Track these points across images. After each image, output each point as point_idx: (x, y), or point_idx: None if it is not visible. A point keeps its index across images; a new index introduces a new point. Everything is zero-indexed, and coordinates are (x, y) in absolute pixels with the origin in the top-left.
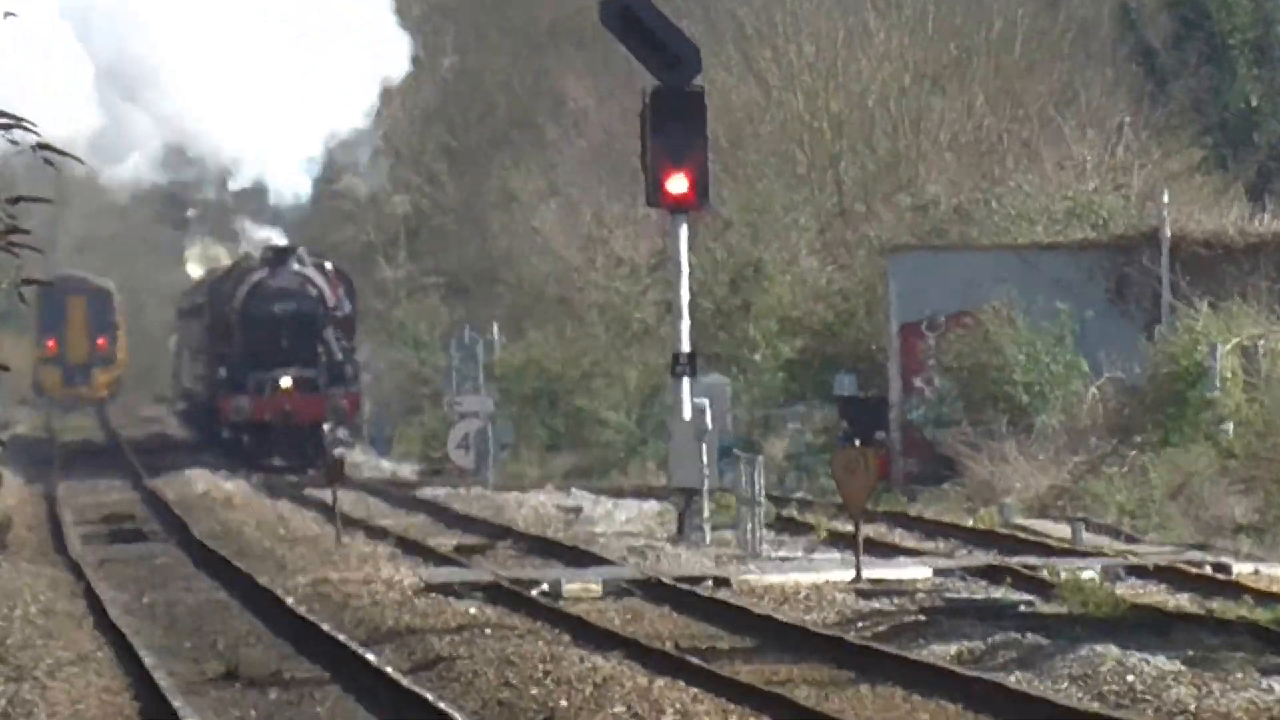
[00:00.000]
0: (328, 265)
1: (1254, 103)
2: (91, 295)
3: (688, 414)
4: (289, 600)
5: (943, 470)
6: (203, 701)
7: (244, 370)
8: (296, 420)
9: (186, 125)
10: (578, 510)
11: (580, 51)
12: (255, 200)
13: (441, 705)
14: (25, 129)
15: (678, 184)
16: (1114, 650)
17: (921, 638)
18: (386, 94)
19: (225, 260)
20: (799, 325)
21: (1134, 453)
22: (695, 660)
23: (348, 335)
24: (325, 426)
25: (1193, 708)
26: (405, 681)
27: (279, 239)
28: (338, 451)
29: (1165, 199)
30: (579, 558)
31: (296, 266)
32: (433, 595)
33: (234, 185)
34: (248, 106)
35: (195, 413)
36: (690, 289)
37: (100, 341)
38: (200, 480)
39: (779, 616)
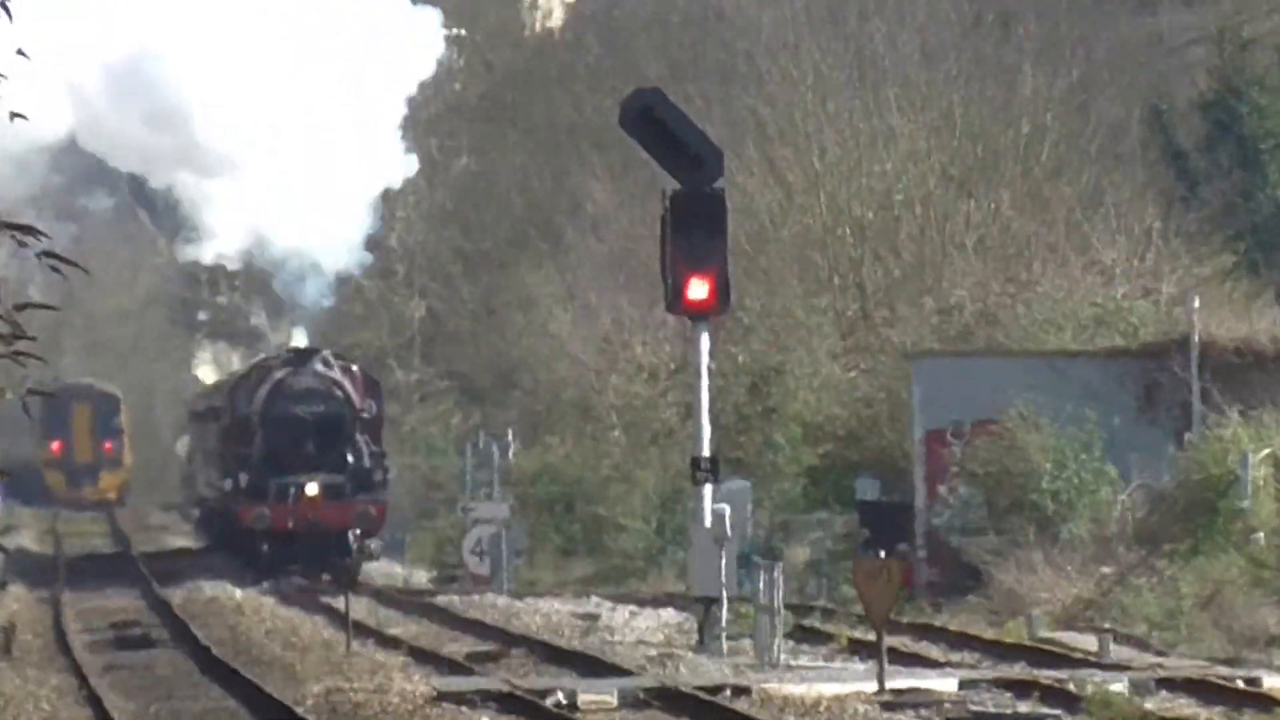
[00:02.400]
0: (354, 368)
1: None
2: (97, 400)
3: (708, 520)
4: (299, 710)
5: (967, 579)
6: None
7: (265, 475)
8: (322, 529)
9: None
10: (595, 618)
11: (599, 153)
12: (272, 302)
13: None
14: (36, 236)
15: (698, 289)
16: None
17: None
18: (392, 197)
19: (237, 365)
20: (821, 431)
21: (1163, 563)
22: None
23: (375, 440)
24: (351, 535)
25: None
26: None
27: (301, 340)
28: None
29: (1195, 305)
30: (595, 667)
31: (320, 367)
32: (445, 704)
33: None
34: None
35: (210, 520)
36: (710, 393)
37: (106, 446)
38: (209, 585)
39: None
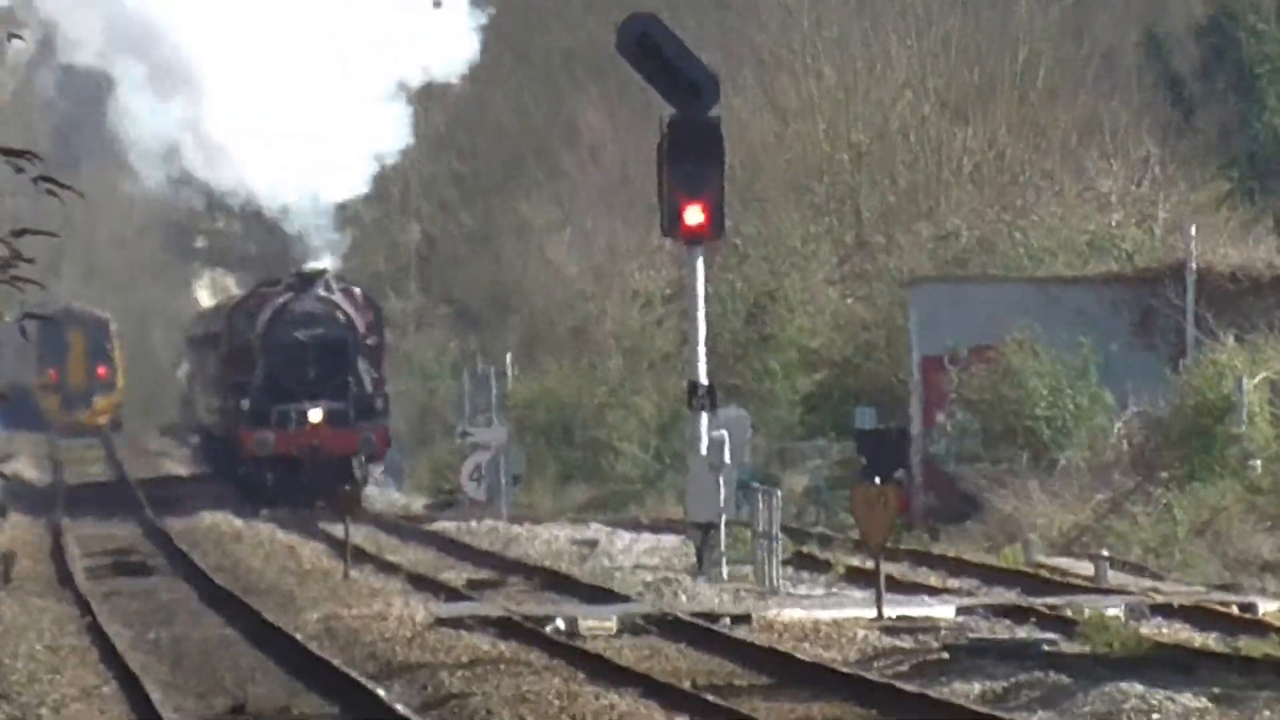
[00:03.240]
0: (356, 291)
1: None
2: (91, 326)
3: (706, 447)
4: (298, 636)
5: (964, 506)
6: None
7: (267, 401)
8: (325, 455)
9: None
10: (593, 544)
11: (596, 80)
12: (270, 229)
13: None
14: (30, 160)
15: (694, 215)
16: (1138, 689)
17: (944, 676)
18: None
19: (235, 290)
20: (818, 358)
21: (1159, 489)
22: (713, 698)
23: (377, 365)
24: (355, 463)
25: None
26: (416, 718)
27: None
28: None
29: (1192, 232)
30: (594, 593)
31: (323, 291)
32: (444, 631)
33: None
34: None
35: (210, 446)
36: (707, 320)
37: (100, 370)
38: (207, 512)
39: (798, 654)
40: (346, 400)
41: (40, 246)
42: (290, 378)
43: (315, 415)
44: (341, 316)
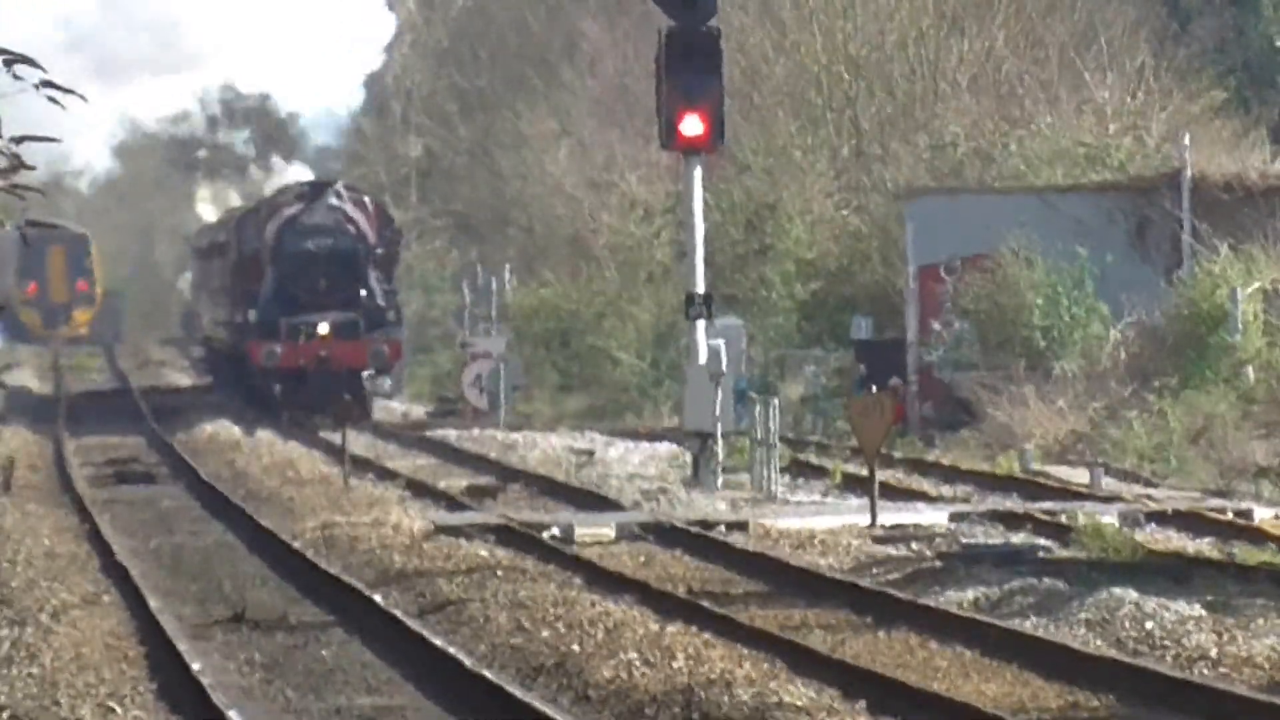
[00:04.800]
0: (367, 200)
1: (1278, 44)
2: (70, 242)
3: (703, 356)
4: (296, 544)
5: (960, 415)
6: (208, 645)
7: (276, 313)
8: (334, 367)
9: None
10: (590, 453)
11: None
12: (273, 138)
13: (451, 649)
14: (31, 65)
15: (692, 126)
16: (1133, 595)
17: (938, 583)
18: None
19: (236, 202)
20: (815, 268)
21: (1154, 397)
22: (708, 605)
23: (388, 276)
24: (365, 375)
25: (1213, 653)
26: (413, 624)
27: (308, 175)
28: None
29: (1187, 142)
30: (591, 501)
31: (334, 201)
32: (442, 538)
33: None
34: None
35: (215, 358)
36: (705, 231)
37: (80, 284)
38: (209, 422)
39: (793, 561)
40: (357, 311)
41: (40, 157)
42: (300, 289)
43: (324, 327)
44: (352, 227)
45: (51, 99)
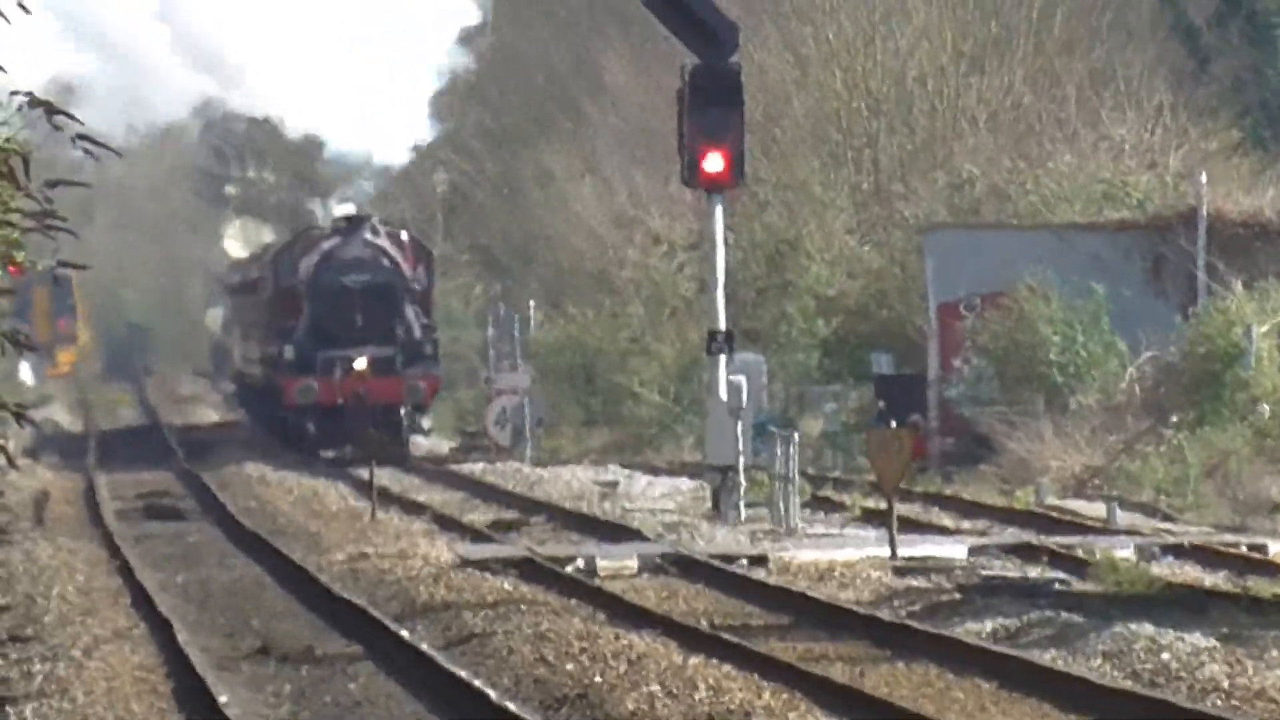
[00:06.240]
0: (403, 235)
1: None
2: (51, 282)
3: (724, 392)
4: (323, 577)
5: (979, 449)
6: (236, 678)
7: (312, 348)
8: (371, 403)
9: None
10: (614, 486)
11: (619, 29)
12: (307, 178)
13: (476, 682)
14: (68, 117)
15: (714, 163)
16: (1148, 628)
17: (956, 616)
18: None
19: (267, 239)
20: (835, 304)
21: (1169, 432)
22: (730, 637)
23: (425, 311)
24: (403, 411)
25: (1226, 685)
26: (439, 657)
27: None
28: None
29: (1203, 179)
30: (614, 534)
31: (370, 236)
32: (468, 571)
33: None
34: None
35: (247, 394)
36: (727, 267)
37: (60, 323)
38: (237, 457)
39: (814, 594)
40: (394, 347)
41: (75, 192)
42: (336, 324)
43: (361, 363)
44: (389, 262)
45: (87, 151)
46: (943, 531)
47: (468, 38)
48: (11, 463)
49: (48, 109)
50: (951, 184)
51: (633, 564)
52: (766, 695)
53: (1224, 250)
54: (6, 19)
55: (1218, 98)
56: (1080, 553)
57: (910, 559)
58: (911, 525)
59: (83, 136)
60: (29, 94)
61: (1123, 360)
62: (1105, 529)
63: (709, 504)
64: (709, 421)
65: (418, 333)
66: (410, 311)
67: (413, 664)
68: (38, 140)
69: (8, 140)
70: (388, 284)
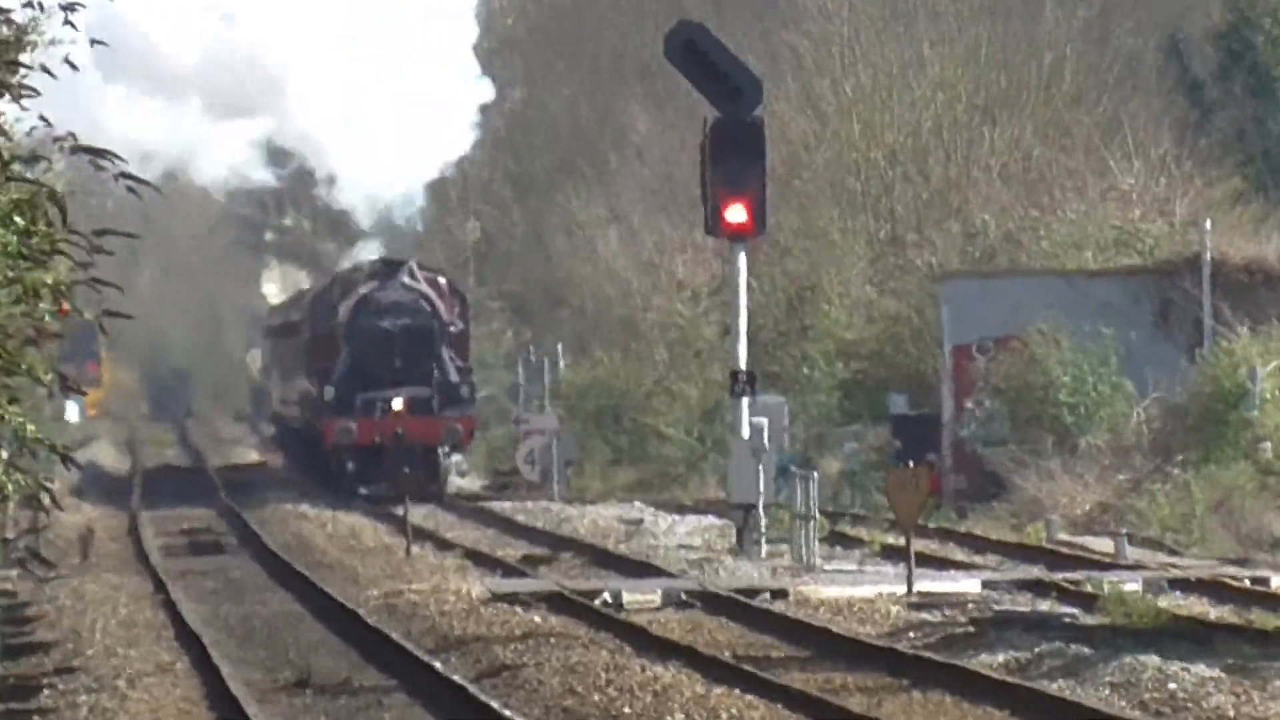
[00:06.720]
0: (441, 280)
1: None
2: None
3: (746, 432)
4: (360, 611)
5: (991, 487)
6: (275, 709)
7: (350, 390)
8: (409, 444)
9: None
10: (639, 523)
11: (644, 83)
12: (340, 222)
13: (506, 713)
14: (112, 159)
15: (736, 213)
16: (1155, 660)
17: (970, 648)
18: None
19: (305, 284)
20: (853, 348)
21: (1176, 470)
22: (752, 669)
23: (462, 354)
24: (441, 451)
25: (1231, 715)
26: (471, 689)
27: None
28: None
29: (1208, 226)
30: (640, 569)
31: (408, 280)
32: (499, 605)
33: (333, 200)
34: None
35: (287, 435)
36: (748, 311)
37: (89, 366)
38: (276, 496)
39: (833, 628)
40: (431, 389)
41: (119, 242)
42: (375, 366)
43: (398, 404)
44: (426, 305)
45: (130, 189)
46: (957, 567)
47: (486, 107)
48: (56, 504)
49: (90, 152)
50: (965, 232)
51: (657, 598)
52: None
53: (1229, 294)
54: (52, 75)
55: (1221, 147)
56: (1089, 587)
57: (926, 594)
58: (927, 561)
59: (126, 175)
60: (71, 135)
61: (1130, 401)
62: (1113, 564)
63: (732, 540)
64: (732, 461)
65: (454, 375)
66: (447, 354)
67: (445, 695)
68: (83, 183)
69: (51, 186)
70: (425, 327)
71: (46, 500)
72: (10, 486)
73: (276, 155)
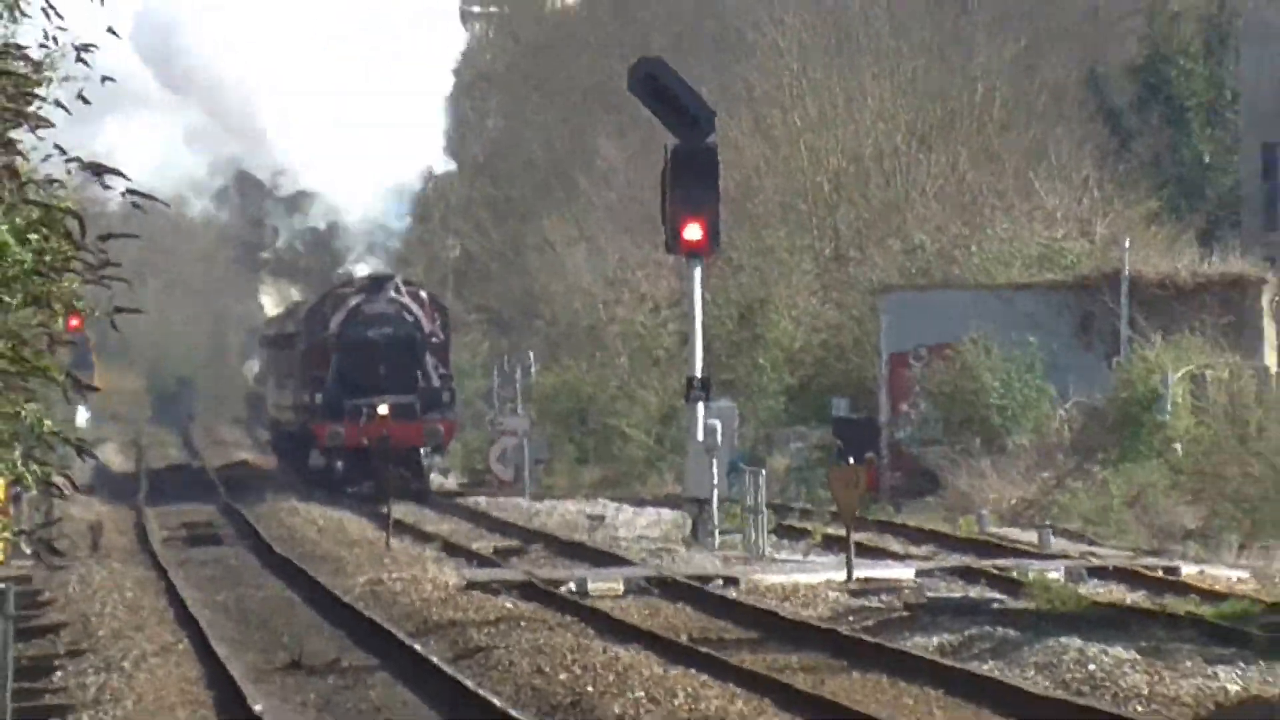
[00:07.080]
0: (423, 293)
1: (1206, 159)
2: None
3: (701, 433)
4: (346, 598)
5: (925, 484)
6: (269, 688)
7: (340, 396)
8: (393, 446)
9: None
10: (603, 517)
11: (611, 114)
12: (330, 240)
13: (481, 691)
14: (117, 175)
15: (693, 232)
16: (1076, 642)
17: (906, 631)
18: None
19: (297, 297)
20: (800, 355)
21: (1095, 468)
22: (706, 650)
23: (443, 362)
24: (422, 452)
25: (1145, 693)
26: (448, 668)
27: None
28: (430, 468)
29: (1126, 245)
30: (604, 559)
31: (393, 293)
32: (473, 592)
33: (315, 222)
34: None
35: (281, 439)
36: (704, 323)
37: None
38: (270, 493)
39: (780, 612)
40: (414, 394)
41: (126, 259)
42: (361, 374)
43: (384, 409)
44: (410, 317)
45: (135, 205)
46: (894, 556)
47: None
48: (74, 486)
49: (96, 169)
50: (904, 249)
51: (619, 585)
52: (739, 701)
53: (1144, 307)
54: (67, 109)
55: (1139, 172)
56: (1016, 575)
57: (865, 581)
58: (866, 550)
59: (132, 191)
60: (78, 158)
61: (1054, 405)
62: (1038, 554)
63: (688, 532)
64: (688, 459)
65: (436, 381)
66: (429, 362)
67: (425, 675)
68: (83, 204)
69: (64, 202)
70: (409, 337)
71: (63, 483)
72: (29, 478)
73: (248, 181)
